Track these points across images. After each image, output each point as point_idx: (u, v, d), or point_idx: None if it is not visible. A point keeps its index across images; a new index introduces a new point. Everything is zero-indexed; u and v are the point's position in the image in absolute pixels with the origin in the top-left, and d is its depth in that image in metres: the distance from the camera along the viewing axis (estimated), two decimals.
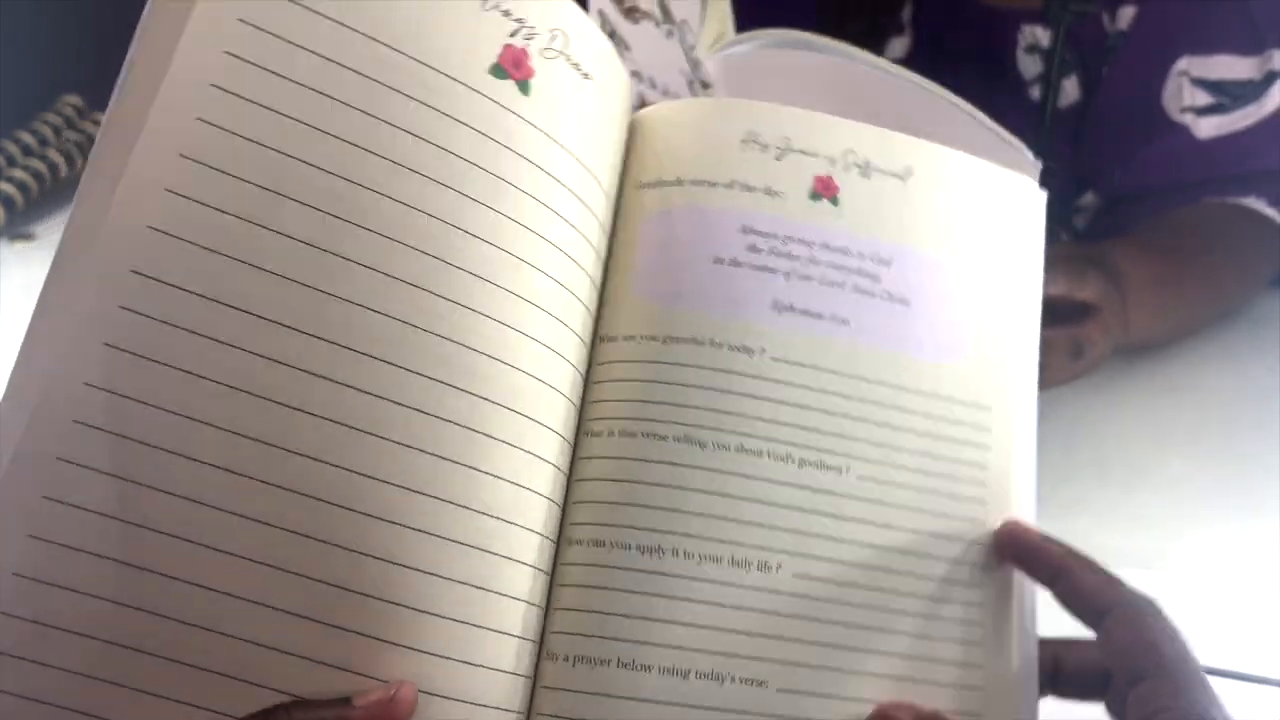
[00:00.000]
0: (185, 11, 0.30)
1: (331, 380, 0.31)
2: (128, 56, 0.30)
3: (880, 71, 0.47)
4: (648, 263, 0.40)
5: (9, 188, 0.93)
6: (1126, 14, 0.82)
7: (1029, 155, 0.43)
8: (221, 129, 0.30)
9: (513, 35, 0.35)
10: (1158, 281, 0.73)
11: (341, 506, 0.31)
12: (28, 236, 0.94)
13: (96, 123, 1.03)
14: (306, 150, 0.31)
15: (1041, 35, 0.84)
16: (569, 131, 0.37)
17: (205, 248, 0.30)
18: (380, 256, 0.32)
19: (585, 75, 0.37)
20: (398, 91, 0.33)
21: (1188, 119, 0.80)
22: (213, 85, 0.30)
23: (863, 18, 0.90)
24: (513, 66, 0.35)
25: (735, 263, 0.39)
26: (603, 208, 0.39)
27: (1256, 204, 0.80)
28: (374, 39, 0.32)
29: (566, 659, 0.35)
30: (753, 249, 0.40)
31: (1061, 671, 0.38)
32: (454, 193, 0.33)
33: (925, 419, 0.39)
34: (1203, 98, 0.80)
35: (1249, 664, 0.49)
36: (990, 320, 0.41)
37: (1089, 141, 0.87)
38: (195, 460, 0.30)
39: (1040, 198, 0.43)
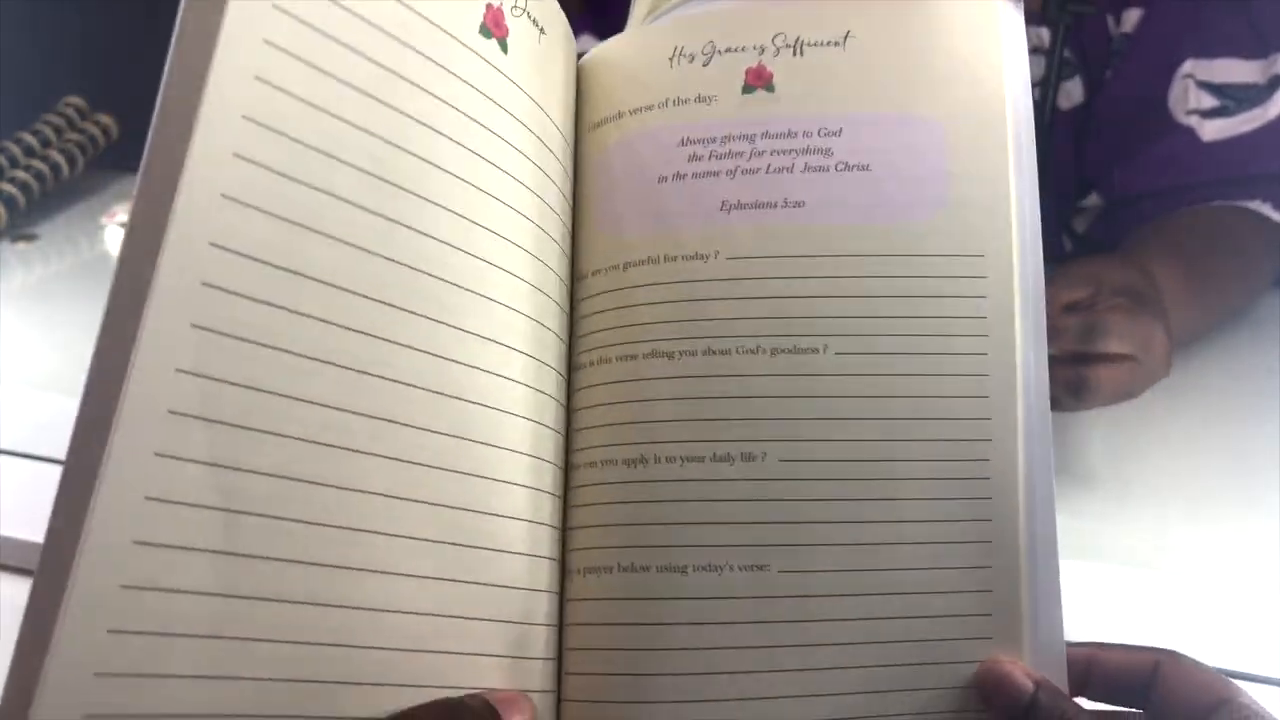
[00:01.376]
0: None
1: (389, 341, 0.32)
2: (178, 19, 0.29)
3: None
4: (602, 198, 0.41)
5: (11, 188, 0.93)
6: (1131, 16, 0.82)
7: None
8: (278, 88, 0.29)
9: None
10: (1189, 294, 0.72)
11: (409, 462, 0.32)
12: (29, 237, 0.95)
13: (98, 123, 1.03)
14: (352, 111, 0.31)
15: (1044, 36, 0.84)
16: (535, 85, 0.38)
17: (276, 215, 0.29)
18: (412, 215, 0.33)
19: (542, 30, 0.39)
20: (418, 52, 0.33)
21: (1193, 121, 0.80)
22: (267, 42, 0.29)
23: None
24: (494, 26, 0.36)
25: (679, 176, 0.40)
26: (565, 153, 0.40)
27: (1261, 207, 0.80)
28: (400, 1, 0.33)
29: (580, 572, 0.37)
30: (694, 158, 0.40)
31: (1094, 673, 0.37)
32: (464, 150, 0.35)
33: (906, 280, 0.38)
34: (1208, 100, 0.80)
35: (1249, 664, 0.49)
36: (971, 160, 0.39)
37: (1092, 143, 0.86)
38: (290, 438, 0.29)
39: (1014, 15, 0.40)
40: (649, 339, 0.38)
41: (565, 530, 0.38)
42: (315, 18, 0.30)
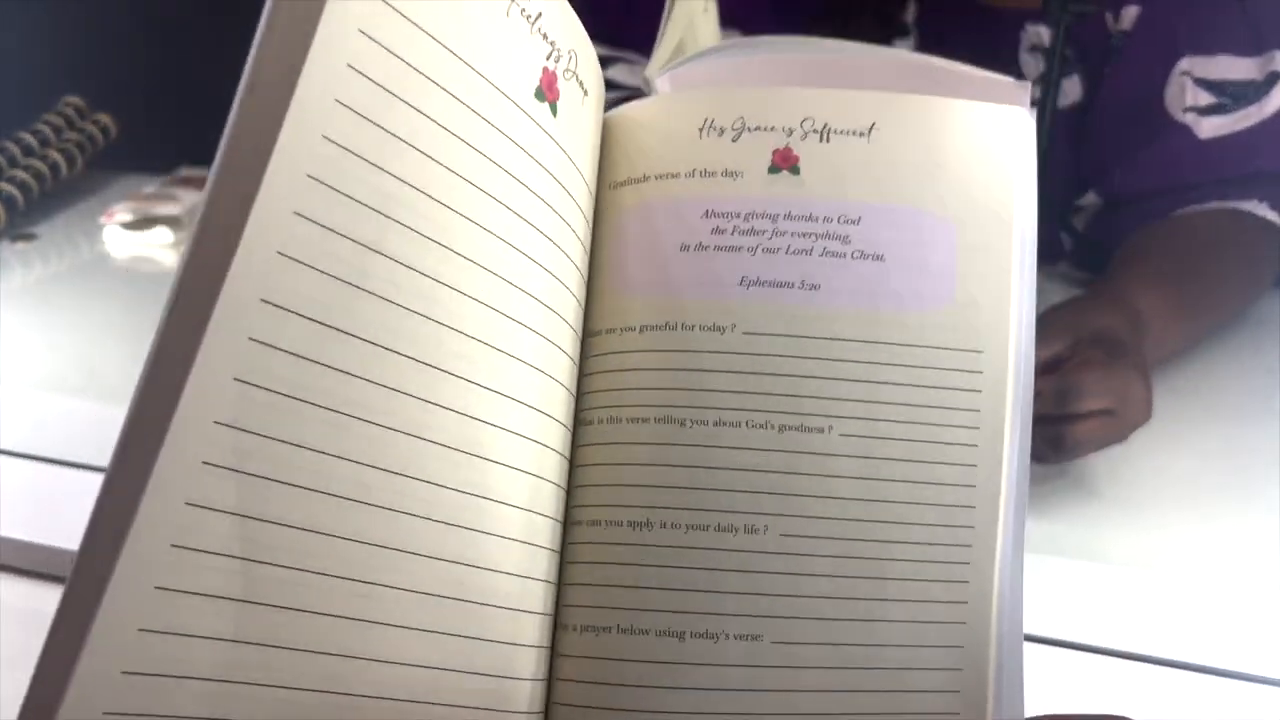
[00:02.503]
0: (312, 24, 0.29)
1: (423, 400, 0.32)
2: (248, 64, 0.29)
3: (848, 53, 0.46)
4: (622, 258, 0.42)
5: (10, 188, 0.93)
6: (1129, 14, 0.82)
7: (1012, 80, 0.42)
8: (343, 148, 0.29)
9: (548, 58, 0.37)
10: (1176, 315, 0.73)
11: (420, 517, 0.32)
12: (29, 236, 0.95)
13: (97, 123, 1.03)
14: (411, 171, 0.31)
15: (1044, 35, 0.84)
16: (576, 147, 0.39)
17: (327, 274, 0.29)
18: (454, 275, 0.33)
19: (586, 92, 0.40)
20: (476, 113, 0.33)
21: (1189, 119, 0.81)
22: (337, 101, 0.29)
23: (867, 18, 0.90)
24: (548, 89, 0.37)
25: (701, 247, 0.41)
26: (589, 209, 0.41)
27: (1258, 208, 0.80)
28: (460, 58, 0.33)
29: (575, 629, 0.38)
30: (717, 231, 0.41)
31: None
32: (509, 211, 0.35)
33: (909, 370, 0.39)
34: (1205, 98, 0.80)
35: (1249, 664, 0.49)
36: (978, 260, 0.40)
37: (1090, 141, 0.87)
38: (315, 491, 0.29)
39: (1028, 122, 0.42)
40: (661, 404, 0.39)
41: (560, 585, 0.39)
42: (386, 77, 0.30)
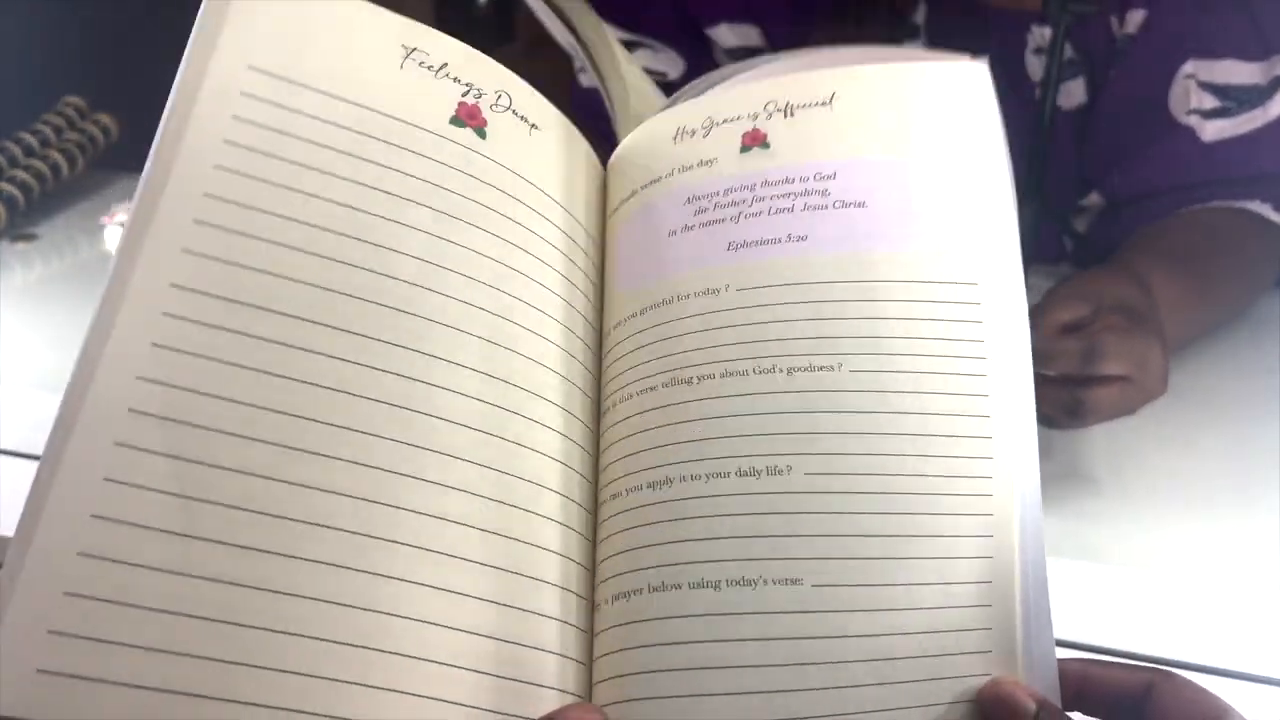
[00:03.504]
0: (200, 76, 0.35)
1: (357, 363, 0.35)
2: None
3: (815, 54, 0.48)
4: (621, 263, 0.44)
5: (10, 188, 0.93)
6: (1135, 17, 0.82)
7: (969, 59, 0.44)
8: (239, 174, 0.35)
9: (464, 95, 0.40)
10: (1185, 300, 0.72)
11: (391, 472, 0.35)
12: (29, 236, 0.95)
13: (97, 123, 1.03)
14: (313, 185, 0.36)
15: (1045, 36, 0.84)
16: (528, 166, 0.42)
17: (239, 264, 0.34)
18: (386, 264, 0.37)
19: (534, 125, 0.42)
20: (381, 140, 0.38)
21: (1193, 121, 0.80)
22: (227, 141, 0.35)
23: (880, 12, 0.90)
24: (468, 118, 0.40)
25: (686, 229, 0.42)
26: (579, 231, 0.44)
27: (1261, 208, 0.80)
28: (356, 104, 0.38)
29: (609, 600, 0.38)
30: (700, 212, 0.42)
31: (1088, 690, 0.37)
32: (435, 211, 0.38)
33: (908, 304, 0.39)
34: (1209, 101, 0.80)
35: (1249, 664, 0.49)
36: (959, 199, 0.41)
37: (1094, 143, 0.86)
38: (246, 438, 0.33)
39: (983, 74, 0.43)
40: (668, 370, 0.39)
41: (595, 565, 0.39)
42: (272, 120, 0.36)
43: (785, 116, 0.43)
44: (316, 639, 0.32)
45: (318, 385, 0.34)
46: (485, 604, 0.35)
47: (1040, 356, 0.63)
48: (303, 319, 0.34)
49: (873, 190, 0.41)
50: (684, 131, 0.44)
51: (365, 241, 0.36)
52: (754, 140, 0.43)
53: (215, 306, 0.33)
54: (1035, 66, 0.86)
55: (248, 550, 0.32)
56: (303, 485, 0.33)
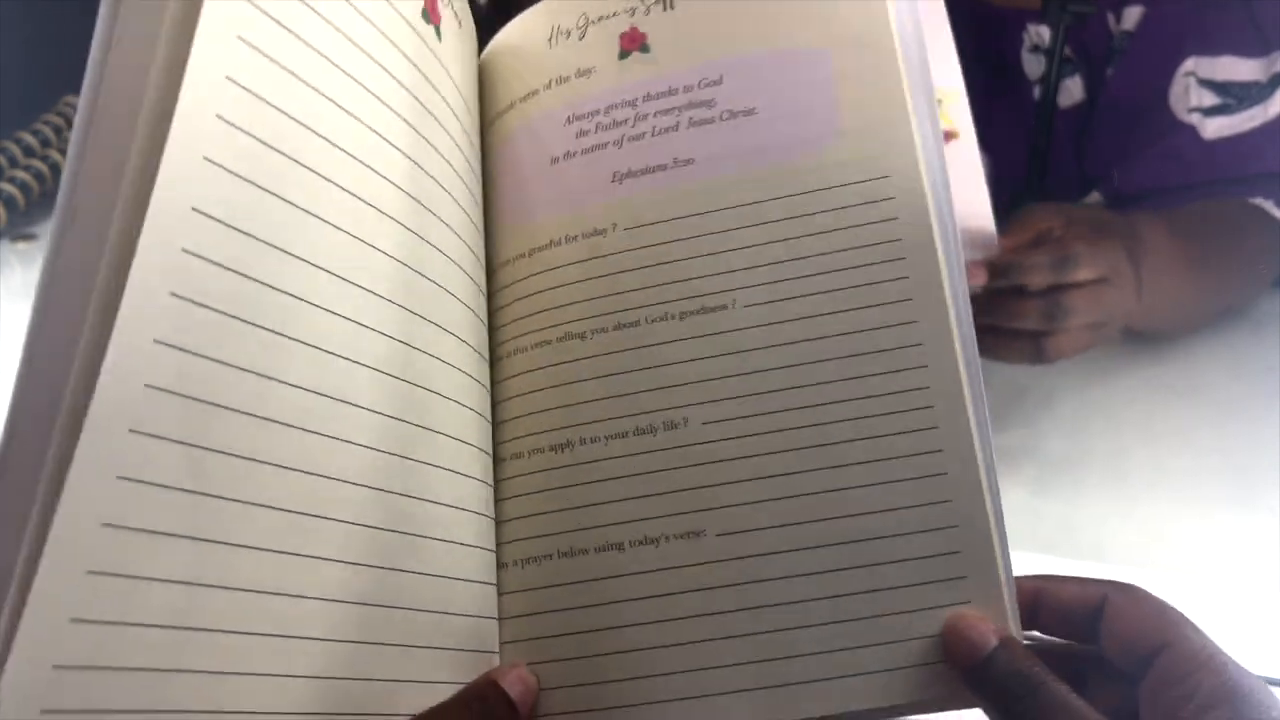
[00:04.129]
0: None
1: (353, 321, 0.32)
2: None
3: None
4: (505, 188, 0.41)
5: (10, 188, 0.93)
6: (1132, 15, 0.82)
7: None
8: (247, 90, 0.29)
9: None
10: (1178, 264, 0.73)
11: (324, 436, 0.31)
12: (29, 236, 0.95)
13: None
14: (320, 79, 0.32)
15: (1046, 35, 0.84)
16: (458, 73, 0.39)
17: (255, 184, 0.29)
18: (359, 184, 0.33)
19: (460, 24, 0.40)
20: (384, 35, 0.34)
21: (1194, 119, 0.80)
22: (240, 38, 0.29)
23: None
24: (432, 11, 0.37)
25: (569, 155, 0.40)
26: (469, 146, 0.40)
27: (1264, 204, 0.80)
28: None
29: (516, 564, 0.37)
30: (581, 134, 0.40)
31: (1043, 606, 0.35)
32: (406, 125, 0.35)
33: (808, 219, 0.37)
34: (1209, 98, 0.80)
35: (1249, 664, 0.49)
36: (861, 85, 0.37)
37: (1093, 141, 0.86)
38: (265, 419, 0.29)
39: None
40: (560, 322, 0.38)
41: (497, 523, 0.38)
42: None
43: (665, 9, 0.40)
44: (316, 638, 0.30)
45: (319, 349, 0.30)
46: (371, 570, 0.32)
47: (1012, 270, 0.63)
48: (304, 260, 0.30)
49: (763, 92, 0.38)
50: (559, 32, 0.41)
51: (357, 160, 0.33)
52: (632, 43, 0.40)
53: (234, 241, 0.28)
54: (1032, 65, 0.86)
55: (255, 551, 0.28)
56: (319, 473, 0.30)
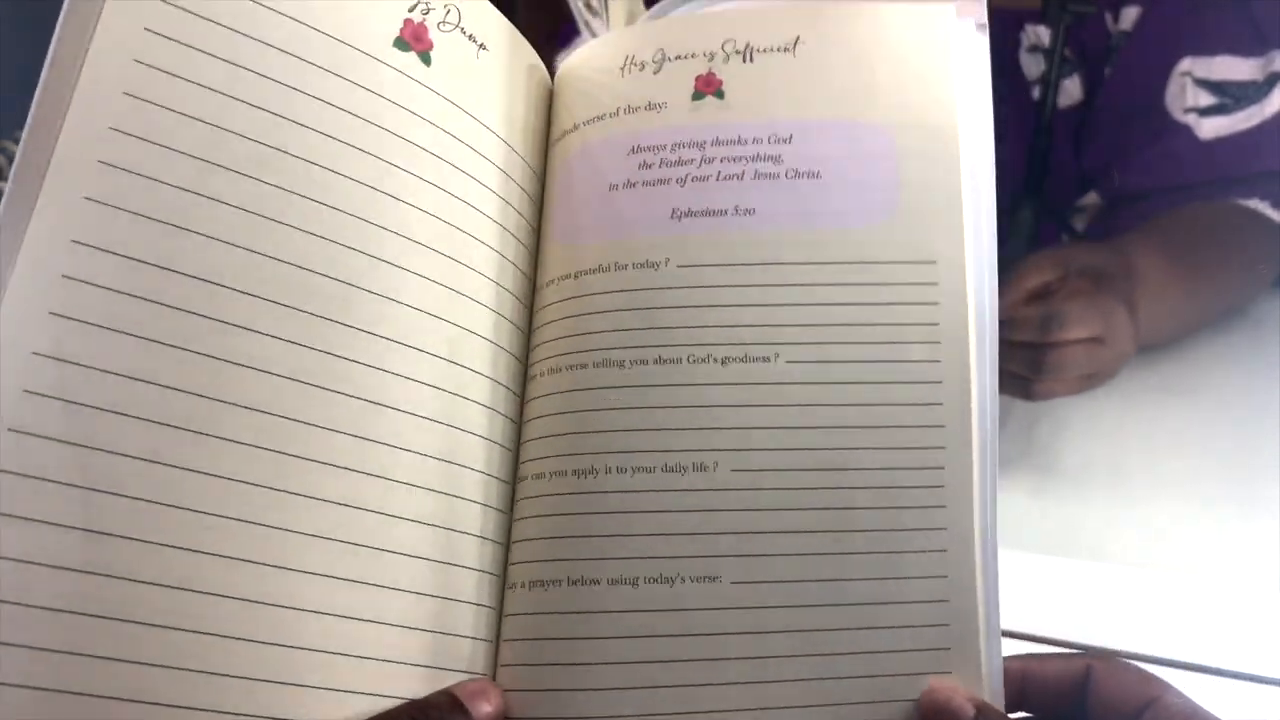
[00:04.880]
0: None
1: (273, 337, 0.33)
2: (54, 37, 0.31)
3: None
4: (559, 209, 0.41)
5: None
6: (1129, 14, 0.82)
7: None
8: (149, 102, 0.31)
9: (411, 10, 0.37)
10: (1173, 282, 0.73)
11: (299, 458, 0.32)
12: None
13: None
14: (232, 120, 0.33)
15: (1044, 35, 0.84)
16: (471, 98, 0.39)
17: (142, 215, 0.31)
18: (306, 218, 0.34)
19: (482, 46, 0.39)
20: (312, 64, 0.34)
21: (1190, 119, 0.80)
22: (137, 61, 0.31)
23: None
24: (414, 40, 0.37)
25: (629, 185, 0.40)
26: (512, 164, 0.40)
27: (1260, 206, 0.80)
28: (289, 17, 0.34)
29: (524, 585, 0.37)
30: (644, 166, 0.40)
31: (1030, 685, 0.36)
32: (369, 156, 0.35)
33: (857, 288, 0.37)
34: (1205, 98, 0.80)
35: (1249, 664, 0.49)
36: (922, 167, 0.38)
37: (1091, 141, 0.86)
38: (147, 420, 0.30)
39: (967, 25, 0.40)
40: (600, 347, 0.38)
41: (509, 544, 0.38)
42: (190, 36, 0.32)
43: (744, 61, 0.40)
44: (231, 637, 0.31)
45: (227, 361, 0.32)
46: (408, 595, 0.34)
47: (1003, 326, 0.64)
48: (216, 283, 0.32)
49: (829, 159, 0.39)
50: (633, 63, 0.41)
51: (291, 192, 0.33)
52: (708, 87, 0.40)
53: (118, 266, 0.30)
54: (1030, 65, 0.86)
55: (153, 545, 0.30)
56: (214, 474, 0.31)
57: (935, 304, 0.37)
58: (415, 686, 0.34)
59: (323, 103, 0.34)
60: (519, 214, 0.40)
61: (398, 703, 0.33)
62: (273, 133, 0.33)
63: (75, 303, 0.29)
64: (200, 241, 0.31)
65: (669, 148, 0.40)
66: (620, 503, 0.36)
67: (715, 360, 0.37)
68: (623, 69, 0.41)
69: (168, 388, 0.31)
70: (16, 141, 0.95)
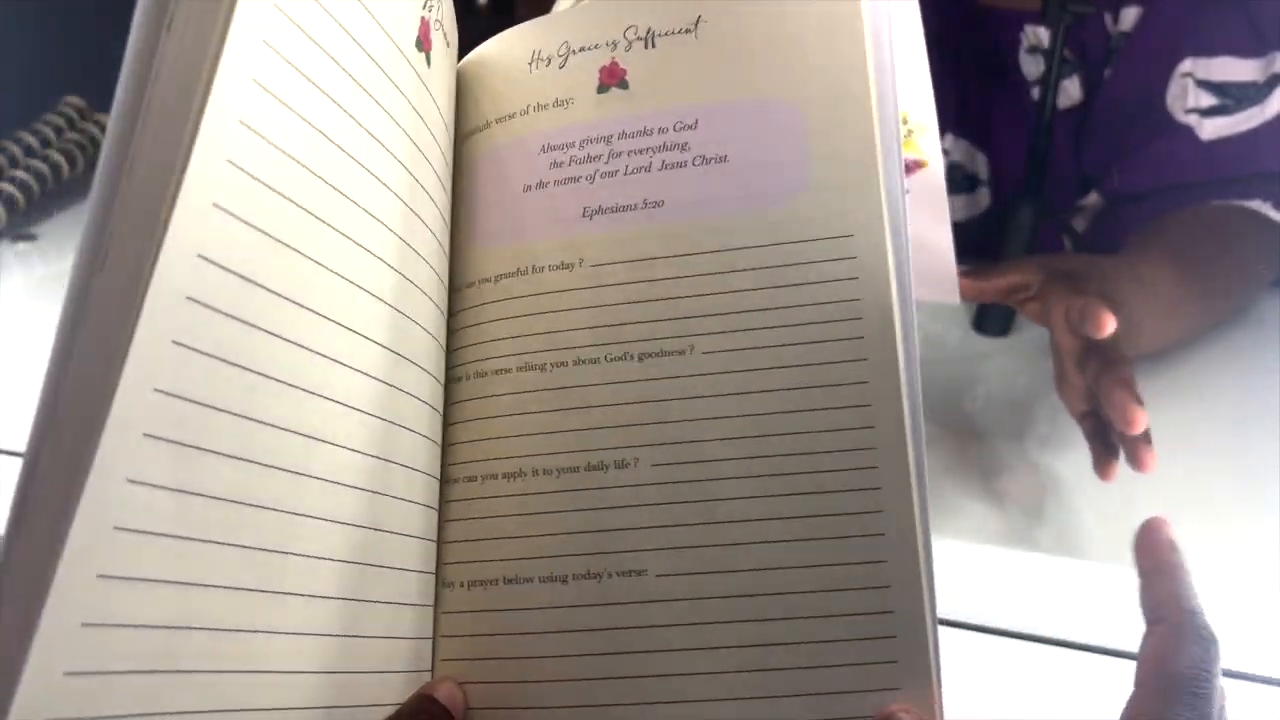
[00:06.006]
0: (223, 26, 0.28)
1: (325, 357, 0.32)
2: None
3: None
4: (474, 210, 0.41)
5: (10, 188, 0.93)
6: (1129, 15, 0.82)
7: None
8: (261, 135, 0.29)
9: (424, 8, 0.37)
10: (1175, 284, 0.73)
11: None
12: (29, 237, 0.94)
13: (98, 123, 1.03)
14: (322, 119, 0.32)
15: (1044, 36, 0.84)
16: (444, 100, 0.39)
17: (258, 228, 0.29)
18: (352, 225, 0.33)
19: (448, 43, 0.40)
20: (379, 67, 0.34)
21: (1191, 120, 0.80)
22: (255, 81, 0.29)
23: None
24: (425, 39, 0.37)
25: (541, 185, 0.40)
26: (442, 165, 0.40)
27: (1261, 207, 0.80)
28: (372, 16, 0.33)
29: (460, 585, 0.37)
30: (555, 165, 0.40)
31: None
32: (400, 166, 0.35)
33: (771, 271, 0.37)
34: (1206, 99, 0.80)
35: (1249, 664, 0.49)
36: (833, 140, 0.37)
37: (1091, 142, 0.87)
38: (253, 463, 0.29)
39: None
40: (521, 352, 0.38)
41: (440, 544, 0.38)
42: (294, 48, 0.30)
43: (646, 47, 0.40)
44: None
45: (295, 386, 0.30)
46: (330, 601, 0.32)
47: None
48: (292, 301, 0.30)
49: (734, 141, 0.38)
50: (539, 57, 0.41)
51: (351, 201, 0.33)
52: (611, 78, 0.40)
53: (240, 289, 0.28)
54: (1029, 66, 0.86)
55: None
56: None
57: (855, 279, 0.36)
58: (388, 695, 0.34)
59: (373, 101, 0.34)
60: (440, 212, 0.40)
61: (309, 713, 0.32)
62: (350, 140, 0.32)
63: (196, 331, 0.27)
64: (296, 259, 0.31)
65: (577, 144, 0.40)
66: (547, 503, 0.37)
67: (633, 357, 0.37)
68: (530, 64, 0.41)
69: (253, 420, 0.29)
70: (16, 141, 0.95)
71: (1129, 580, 0.45)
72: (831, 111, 0.38)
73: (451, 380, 0.40)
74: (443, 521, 0.38)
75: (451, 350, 0.40)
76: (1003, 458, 0.66)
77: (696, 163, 0.38)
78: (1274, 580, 0.55)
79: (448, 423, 0.39)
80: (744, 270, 0.37)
